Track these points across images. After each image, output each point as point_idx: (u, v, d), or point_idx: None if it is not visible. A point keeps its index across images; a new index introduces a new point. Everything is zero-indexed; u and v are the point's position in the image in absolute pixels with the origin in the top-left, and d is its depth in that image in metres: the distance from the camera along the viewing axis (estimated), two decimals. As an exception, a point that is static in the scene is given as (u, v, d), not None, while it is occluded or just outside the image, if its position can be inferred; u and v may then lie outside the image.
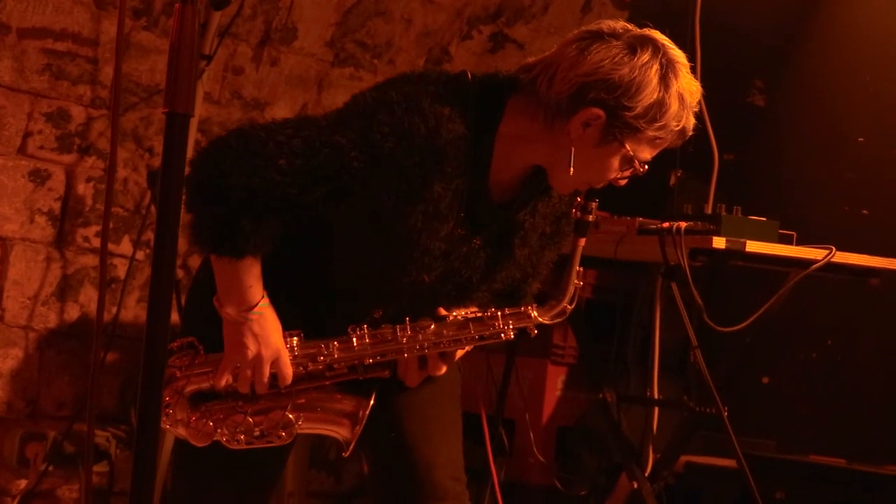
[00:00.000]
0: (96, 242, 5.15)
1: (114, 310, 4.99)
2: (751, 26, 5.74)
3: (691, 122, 2.93)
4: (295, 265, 3.00)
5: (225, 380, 2.91)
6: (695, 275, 4.53)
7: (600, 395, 4.92)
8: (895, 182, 5.43)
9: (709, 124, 5.01)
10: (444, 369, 3.00)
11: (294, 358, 2.91)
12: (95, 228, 5.15)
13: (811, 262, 4.53)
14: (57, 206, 5.04)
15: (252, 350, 2.88)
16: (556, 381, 5.49)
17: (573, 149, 2.88)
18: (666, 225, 4.48)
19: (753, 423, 5.31)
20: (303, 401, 2.94)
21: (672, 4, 5.03)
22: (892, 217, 5.32)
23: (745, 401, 5.29)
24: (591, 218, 2.91)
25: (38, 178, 5.02)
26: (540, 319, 2.98)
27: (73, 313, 5.13)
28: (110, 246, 5.07)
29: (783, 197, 5.51)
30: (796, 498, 4.89)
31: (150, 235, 5.12)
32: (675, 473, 5.05)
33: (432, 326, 2.93)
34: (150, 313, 2.08)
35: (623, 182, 2.98)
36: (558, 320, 3.01)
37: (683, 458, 5.02)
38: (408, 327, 2.92)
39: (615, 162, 2.91)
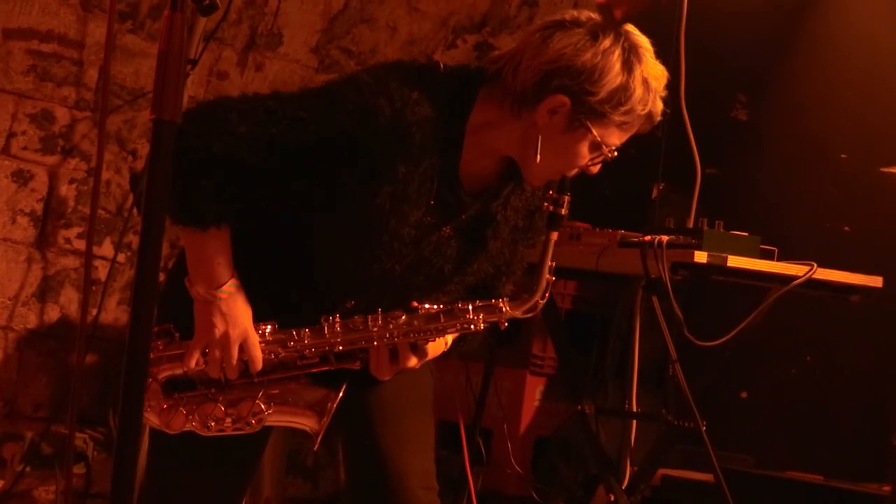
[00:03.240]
0: (78, 244, 5.16)
1: (94, 312, 4.95)
2: (735, 41, 5.75)
3: (659, 106, 2.93)
4: (267, 253, 3.00)
5: (194, 360, 2.90)
6: (675, 288, 4.55)
7: (578, 407, 4.91)
8: (877, 199, 5.45)
9: (692, 138, 5.03)
10: (414, 361, 2.98)
11: (265, 343, 2.91)
12: (77, 230, 5.16)
13: (792, 278, 4.57)
14: (39, 206, 5.04)
15: (219, 328, 2.88)
16: (534, 391, 5.50)
17: (541, 137, 2.90)
18: (648, 238, 4.51)
19: (731, 438, 5.32)
20: (275, 391, 2.94)
21: (657, 19, 5.05)
22: (873, 234, 5.34)
23: (723, 415, 5.28)
24: (563, 211, 2.93)
25: (21, 178, 5.03)
26: (512, 313, 2.98)
27: (52, 314, 5.13)
28: (88, 244, 5.05)
29: (765, 212, 5.53)
30: (773, 513, 4.93)
31: (131, 238, 5.16)
32: (652, 487, 5.06)
33: (403, 317, 2.92)
34: (133, 318, 2.04)
35: (595, 169, 2.99)
36: (530, 315, 3.01)
37: (661, 472, 5.03)
38: (379, 317, 2.91)
39: (584, 148, 2.92)
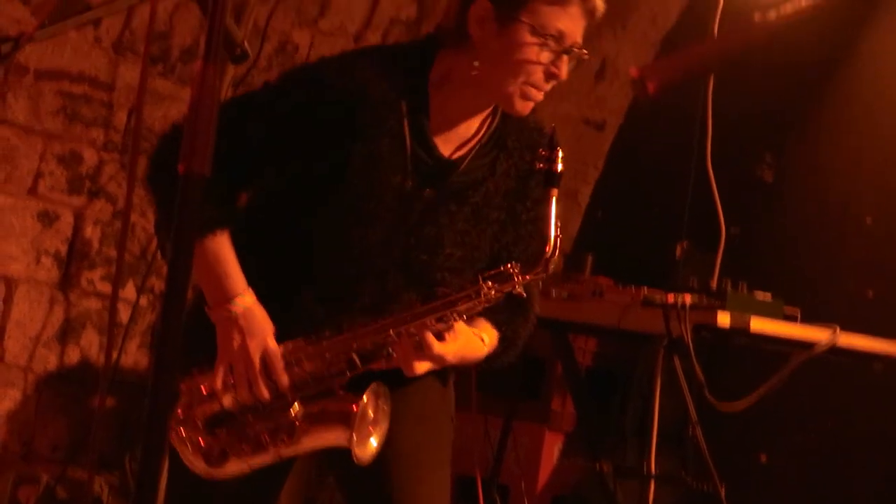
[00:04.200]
0: (101, 286, 5.17)
1: (115, 354, 4.81)
2: (763, 101, 5.76)
3: None
4: (274, 261, 2.99)
5: (220, 380, 2.86)
6: (697, 349, 4.53)
7: (597, 465, 4.91)
8: None
9: (716, 197, 5.03)
10: (438, 348, 2.90)
11: (288, 355, 2.88)
12: (101, 272, 5.17)
13: (815, 343, 4.54)
14: (64, 247, 5.05)
15: (237, 341, 2.86)
16: (552, 448, 5.48)
17: (484, 48, 2.91)
18: (671, 298, 4.51)
19: (750, 502, 5.26)
20: (314, 409, 2.89)
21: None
22: None
23: (742, 479, 5.23)
24: (557, 167, 2.88)
25: (47, 219, 5.04)
26: (522, 276, 2.91)
27: (73, 356, 5.13)
28: (111, 290, 5.11)
29: (788, 273, 5.51)
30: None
31: (154, 281, 5.17)
32: (670, 547, 4.98)
33: (417, 304, 2.90)
34: (156, 363, 2.00)
35: (561, 69, 2.95)
36: (541, 276, 2.94)
37: (679, 533, 4.98)
38: (394, 309, 2.90)
39: (526, 41, 2.90)
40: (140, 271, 5.13)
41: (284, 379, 2.87)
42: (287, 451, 2.92)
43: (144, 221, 5.12)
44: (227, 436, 2.92)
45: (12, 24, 4.70)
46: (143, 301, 5.17)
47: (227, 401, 2.90)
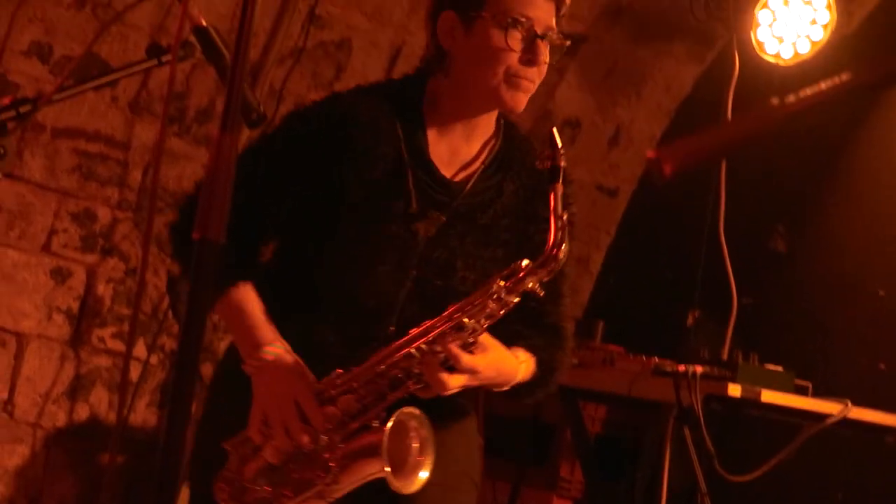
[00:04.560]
0: (111, 344, 5.15)
1: (124, 412, 4.97)
2: (777, 172, 5.77)
3: None
4: (291, 302, 2.98)
5: (255, 430, 2.85)
6: (708, 419, 4.55)
7: None
8: None
9: (728, 267, 5.05)
10: (467, 360, 2.84)
11: (319, 394, 2.85)
12: (112, 329, 5.16)
13: (826, 416, 4.56)
14: (75, 304, 5.04)
15: (269, 389, 2.85)
16: (561, 515, 5.47)
17: (459, 55, 2.96)
18: (682, 368, 4.52)
19: None
20: (349, 446, 2.86)
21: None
22: None
23: None
24: (561, 163, 2.86)
25: (60, 276, 5.03)
26: (533, 269, 2.87)
27: (82, 413, 5.10)
28: (124, 348, 5.10)
29: (800, 344, 5.51)
30: None
31: (165, 340, 5.17)
32: None
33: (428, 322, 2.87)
34: (169, 423, 2.07)
35: (536, 53, 2.96)
36: (551, 270, 2.88)
37: None
38: (412, 332, 2.86)
39: (493, 33, 2.93)
40: (151, 330, 5.13)
41: (319, 418, 2.82)
42: (330, 493, 2.87)
43: (156, 280, 5.16)
44: (271, 488, 2.88)
45: (31, 83, 4.75)
46: (154, 359, 5.15)
47: (269, 453, 2.87)
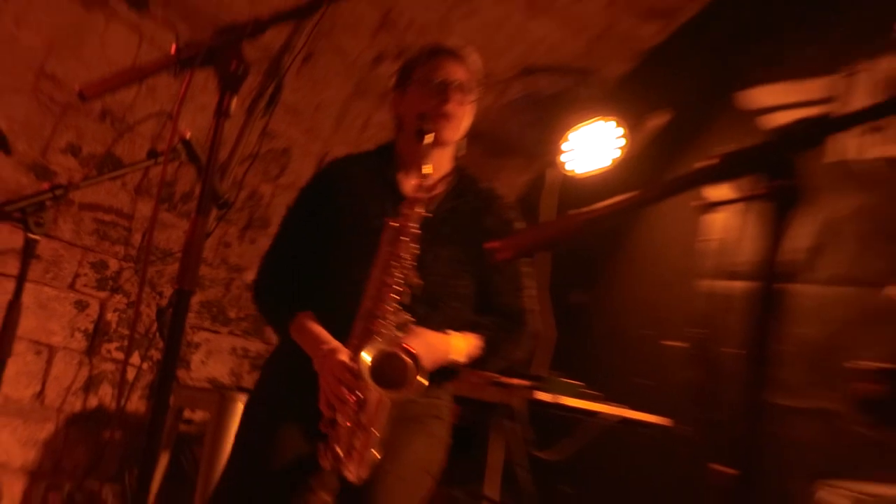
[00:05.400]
0: (115, 354, 5.20)
1: (121, 402, 5.07)
2: (579, 248, 5.69)
3: (437, 44, 3.03)
4: (318, 311, 2.88)
5: (323, 403, 2.71)
6: (531, 417, 4.65)
7: (454, 492, 5.00)
8: (661, 365, 5.36)
9: (551, 312, 5.12)
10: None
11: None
12: (116, 344, 5.20)
13: (600, 413, 4.67)
14: (91, 326, 5.11)
15: (319, 358, 2.74)
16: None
17: (403, 112, 3.01)
18: (511, 381, 4.60)
19: None
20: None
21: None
22: (667, 388, 5.21)
23: (551, 502, 5.15)
24: (428, 137, 2.85)
25: (80, 306, 5.11)
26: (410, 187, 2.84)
27: (92, 402, 5.15)
28: (123, 357, 5.18)
29: (596, 368, 5.47)
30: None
31: (153, 352, 5.20)
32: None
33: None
34: (154, 408, 2.03)
35: (446, 98, 2.93)
36: (424, 186, 2.81)
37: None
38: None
39: (416, 90, 2.98)
40: (144, 345, 5.19)
41: (347, 376, 2.67)
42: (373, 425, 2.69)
43: (148, 310, 5.21)
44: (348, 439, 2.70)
45: (65, 171, 4.80)
46: (145, 366, 5.20)
47: (340, 419, 2.71)
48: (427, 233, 2.85)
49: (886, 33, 2.16)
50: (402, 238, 2.77)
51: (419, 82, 2.98)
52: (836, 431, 4.40)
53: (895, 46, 2.11)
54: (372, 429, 2.69)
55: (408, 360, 2.65)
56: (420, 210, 2.79)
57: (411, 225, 2.79)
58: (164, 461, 4.46)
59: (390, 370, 2.66)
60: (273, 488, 2.76)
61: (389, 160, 3.02)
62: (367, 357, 2.65)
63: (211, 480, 3.96)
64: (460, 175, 3.07)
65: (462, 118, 3.00)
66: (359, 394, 2.67)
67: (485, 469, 4.91)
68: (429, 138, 2.88)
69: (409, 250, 2.78)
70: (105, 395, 5.19)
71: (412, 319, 2.73)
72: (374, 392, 2.66)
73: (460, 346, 2.86)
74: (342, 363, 2.70)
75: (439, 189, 3.00)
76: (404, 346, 2.66)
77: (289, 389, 2.85)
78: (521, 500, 4.90)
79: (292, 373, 2.85)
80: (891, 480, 3.67)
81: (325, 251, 2.91)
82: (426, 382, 2.63)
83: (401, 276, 2.76)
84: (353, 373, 2.67)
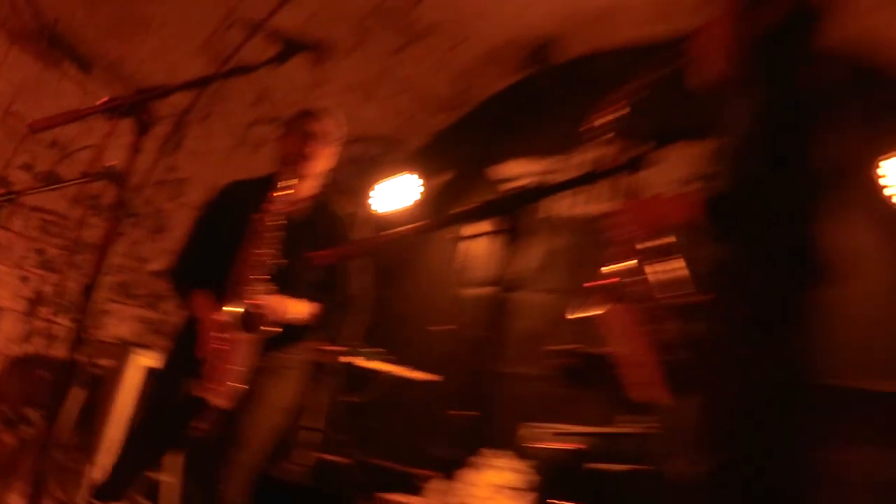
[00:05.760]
0: (48, 316, 4.96)
1: (51, 350, 4.85)
2: (383, 259, 5.52)
3: (306, 108, 2.92)
4: (214, 285, 2.74)
5: (201, 349, 2.64)
6: (347, 373, 4.57)
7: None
8: (435, 339, 5.03)
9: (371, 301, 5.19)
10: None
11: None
12: (50, 309, 4.96)
13: (393, 372, 4.66)
14: (32, 295, 4.90)
15: (200, 318, 2.67)
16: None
17: (280, 149, 2.90)
18: (332, 347, 4.47)
19: (360, 441, 4.91)
20: None
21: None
22: (432, 356, 5.01)
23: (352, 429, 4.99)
24: (289, 169, 2.77)
25: (24, 280, 4.89)
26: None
27: (29, 350, 4.93)
28: (57, 318, 4.94)
29: (396, 341, 5.06)
30: None
31: (77, 316, 4.94)
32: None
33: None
34: (70, 359, 2.04)
35: (306, 147, 2.82)
36: (282, 198, 2.73)
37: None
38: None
39: (288, 138, 2.88)
40: (70, 311, 4.96)
41: (216, 327, 2.60)
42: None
43: (74, 285, 4.96)
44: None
45: (20, 183, 4.60)
46: (70, 325, 4.87)
47: (210, 359, 2.61)
48: (290, 235, 2.76)
49: (593, 130, 2.24)
50: (264, 227, 2.69)
51: (290, 131, 2.91)
52: (541, 391, 4.42)
53: (593, 139, 2.19)
54: (232, 364, 2.60)
55: (260, 311, 2.58)
56: (279, 208, 2.70)
57: (271, 219, 2.71)
58: (81, 395, 4.24)
59: (248, 319, 2.60)
60: (168, 419, 2.69)
61: (270, 183, 2.89)
62: (232, 309, 2.59)
63: (110, 410, 3.82)
64: (319, 200, 2.99)
65: (317, 159, 2.92)
66: (224, 338, 2.58)
67: (313, 408, 4.75)
68: (289, 170, 2.83)
69: (270, 237, 2.69)
70: (39, 344, 4.97)
71: (270, 287, 2.64)
72: (237, 335, 2.58)
73: (303, 308, 2.78)
74: (213, 318, 2.61)
75: (302, 206, 2.90)
76: (259, 302, 2.59)
77: (187, 348, 2.74)
78: (338, 429, 4.79)
79: (191, 336, 2.73)
80: (572, 422, 3.81)
81: (222, 245, 2.79)
82: (277, 329, 2.57)
83: (263, 254, 2.67)
84: (221, 324, 2.58)
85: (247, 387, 2.64)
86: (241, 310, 2.60)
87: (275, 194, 2.81)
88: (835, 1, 2.05)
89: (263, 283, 2.65)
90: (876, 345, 3.80)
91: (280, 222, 2.75)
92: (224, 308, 2.62)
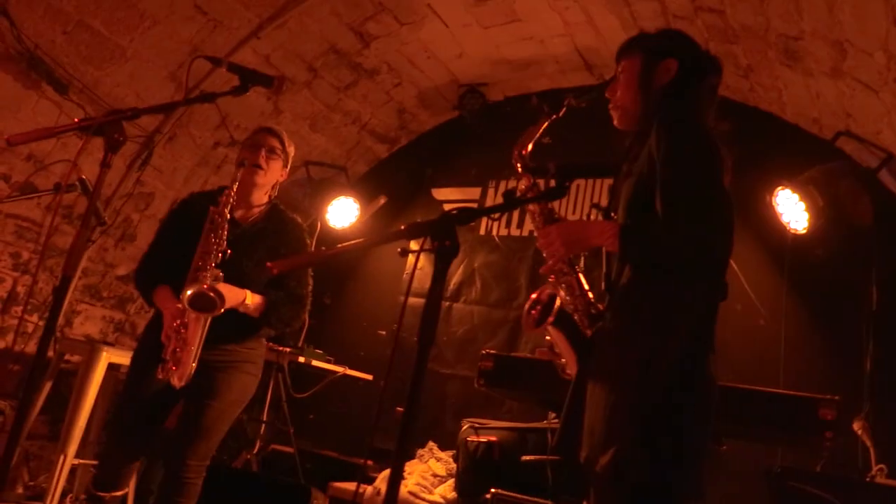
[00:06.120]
0: (20, 314, 4.79)
1: (23, 346, 4.71)
2: (324, 268, 5.48)
3: (263, 125, 2.86)
4: (177, 282, 2.68)
5: (164, 335, 2.62)
6: (293, 371, 4.52)
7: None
8: (377, 342, 5.17)
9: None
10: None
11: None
12: (21, 307, 4.79)
13: (333, 370, 4.59)
14: (5, 294, 4.72)
15: (163, 309, 2.65)
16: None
17: (238, 159, 2.84)
18: (279, 347, 4.47)
19: (303, 434, 4.86)
20: None
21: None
22: (372, 357, 5.14)
23: (303, 423, 4.89)
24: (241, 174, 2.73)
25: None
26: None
27: (1, 345, 4.75)
28: (27, 316, 4.78)
29: (340, 343, 5.29)
30: None
31: (46, 314, 4.76)
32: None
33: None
34: (40, 344, 1.94)
35: (259, 158, 2.76)
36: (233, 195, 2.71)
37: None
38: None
39: (245, 149, 2.82)
40: (40, 310, 4.83)
41: (177, 314, 2.60)
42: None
43: (46, 287, 4.83)
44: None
45: None
46: (41, 323, 4.82)
47: (171, 344, 2.59)
48: (244, 240, 2.74)
49: (512, 165, 2.29)
50: (216, 220, 2.65)
51: (246, 144, 2.86)
52: (469, 389, 4.42)
53: (515, 172, 2.25)
54: (190, 346, 2.57)
55: (213, 294, 2.55)
56: (227, 199, 2.66)
57: (221, 210, 2.66)
58: (48, 388, 4.11)
59: (202, 301, 2.55)
60: (140, 411, 2.65)
61: (230, 196, 2.80)
62: (189, 293, 2.55)
63: (80, 403, 3.69)
64: (273, 207, 2.90)
65: (268, 170, 2.85)
66: (183, 321, 2.56)
67: (263, 400, 4.72)
68: (242, 174, 2.78)
69: (221, 232, 2.65)
70: (10, 340, 4.80)
71: (222, 274, 2.60)
72: (192, 316, 2.55)
73: (255, 299, 2.71)
74: (174, 306, 2.59)
75: (255, 211, 2.84)
76: (213, 287, 2.56)
77: (154, 341, 2.68)
78: (283, 421, 4.70)
79: (157, 331, 2.68)
80: (492, 417, 3.85)
81: (183, 249, 2.73)
82: (223, 309, 2.53)
83: (215, 245, 2.63)
84: (180, 311, 2.55)
85: (200, 370, 2.60)
86: (193, 291, 2.56)
87: (228, 191, 2.75)
88: (722, 61, 2.14)
89: (214, 270, 2.60)
90: (751, 351, 3.95)
91: (229, 215, 2.70)
92: (181, 295, 2.58)
